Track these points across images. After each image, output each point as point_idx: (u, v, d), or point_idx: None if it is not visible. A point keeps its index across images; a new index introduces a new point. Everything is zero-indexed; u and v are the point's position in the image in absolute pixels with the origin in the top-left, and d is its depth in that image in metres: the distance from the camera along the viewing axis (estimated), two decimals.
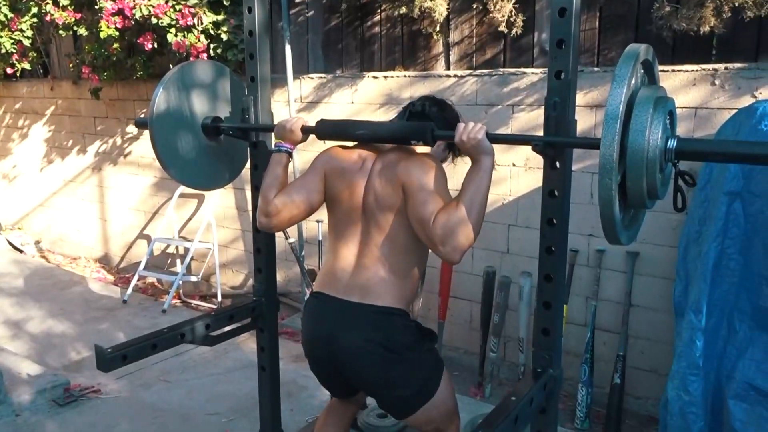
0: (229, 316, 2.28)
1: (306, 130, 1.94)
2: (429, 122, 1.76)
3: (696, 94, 2.81)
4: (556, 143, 1.68)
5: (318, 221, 3.91)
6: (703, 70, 2.78)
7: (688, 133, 2.84)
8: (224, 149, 2.32)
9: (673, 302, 2.72)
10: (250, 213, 4.54)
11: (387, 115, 3.76)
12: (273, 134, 2.01)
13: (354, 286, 1.76)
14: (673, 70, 2.84)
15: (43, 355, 3.66)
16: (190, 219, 5.03)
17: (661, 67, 2.84)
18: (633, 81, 1.47)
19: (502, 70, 3.34)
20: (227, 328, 2.29)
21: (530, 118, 3.24)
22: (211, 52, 4.18)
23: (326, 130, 1.87)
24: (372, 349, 1.73)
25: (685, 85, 2.83)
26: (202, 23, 4.08)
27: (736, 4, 2.56)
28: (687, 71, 2.82)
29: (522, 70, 3.27)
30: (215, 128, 2.23)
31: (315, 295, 1.84)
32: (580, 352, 3.13)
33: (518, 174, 3.33)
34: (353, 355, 1.75)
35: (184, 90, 2.17)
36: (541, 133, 3.32)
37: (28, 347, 3.81)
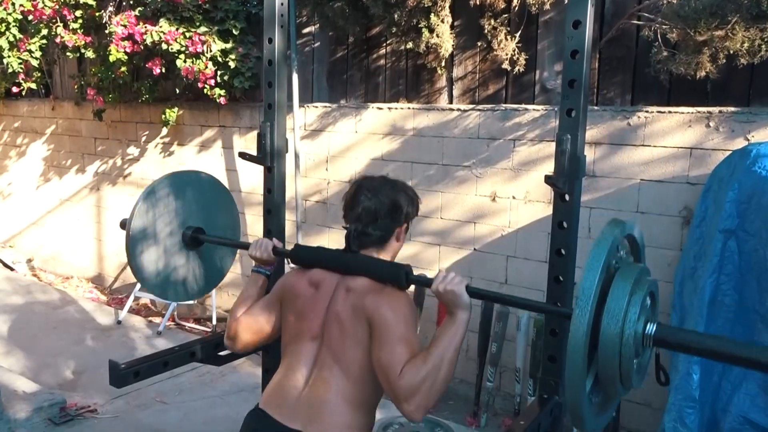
0: None
1: (278, 253, 1.94)
2: (404, 265, 1.69)
3: (691, 135, 2.93)
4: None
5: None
6: (699, 112, 2.91)
7: (683, 172, 2.95)
8: (204, 259, 2.34)
9: None
10: (248, 237, 4.60)
11: (390, 145, 3.85)
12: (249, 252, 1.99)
13: (300, 410, 1.61)
14: (670, 112, 2.96)
15: (38, 374, 3.63)
16: None
17: (657, 108, 2.98)
18: (612, 260, 1.43)
19: (504, 105, 3.45)
20: None
21: (531, 153, 3.34)
22: (218, 78, 4.26)
23: (300, 255, 1.81)
24: None
25: (680, 126, 2.95)
26: (210, 50, 4.17)
27: (731, 52, 2.69)
28: (683, 113, 2.94)
29: (524, 106, 3.38)
30: (195, 239, 2.25)
31: (257, 413, 1.68)
32: None
33: (518, 206, 3.42)
34: None
35: (169, 199, 2.20)
36: (541, 166, 3.42)
37: (22, 365, 3.78)
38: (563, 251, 1.84)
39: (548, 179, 1.74)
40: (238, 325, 1.78)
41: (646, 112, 3.01)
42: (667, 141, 2.97)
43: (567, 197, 1.80)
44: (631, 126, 3.06)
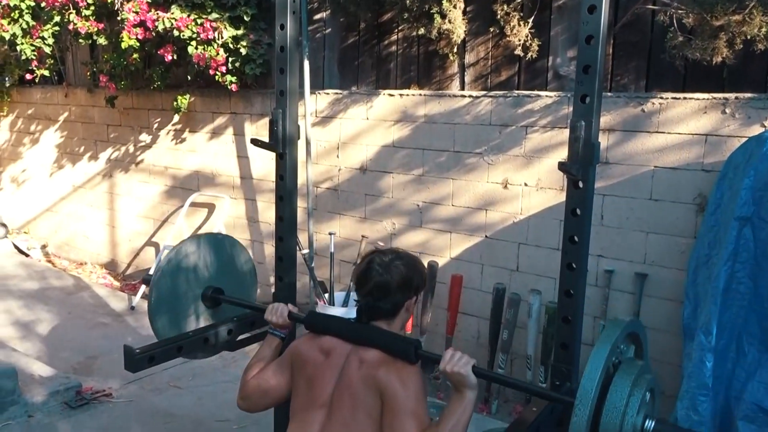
0: (250, 323, 2.33)
1: (293, 318, 1.99)
2: (414, 340, 1.75)
3: (707, 121, 2.89)
4: None
5: (330, 233, 3.96)
6: (714, 98, 2.87)
7: (698, 159, 2.92)
8: (221, 318, 2.39)
9: (681, 324, 2.77)
10: (261, 224, 4.62)
11: (401, 131, 3.84)
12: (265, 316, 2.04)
13: None
14: (685, 98, 2.93)
15: (53, 358, 3.69)
16: (199, 228, 5.08)
17: (672, 95, 2.95)
18: (613, 357, 1.49)
19: (516, 92, 3.43)
20: (248, 334, 2.33)
21: (543, 139, 3.32)
22: (230, 65, 4.26)
23: (313, 322, 1.87)
24: None
25: (695, 113, 2.91)
26: (222, 37, 4.17)
27: (748, 37, 2.65)
28: (698, 99, 2.90)
29: (536, 92, 3.36)
30: (214, 298, 2.33)
31: None
32: None
33: (530, 193, 3.40)
34: None
35: (191, 260, 2.29)
36: (553, 153, 3.41)
37: (38, 349, 3.84)
38: (576, 238, 1.83)
39: (562, 166, 1.73)
40: (250, 387, 1.85)
41: (661, 98, 2.98)
42: (682, 128, 2.94)
43: (581, 184, 1.79)
44: (646, 112, 3.02)
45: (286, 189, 2.40)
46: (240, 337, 2.30)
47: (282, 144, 2.35)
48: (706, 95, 2.89)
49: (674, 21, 2.82)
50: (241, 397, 1.87)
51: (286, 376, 1.82)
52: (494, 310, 3.41)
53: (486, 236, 3.61)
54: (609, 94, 3.14)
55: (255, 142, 2.31)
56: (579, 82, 1.77)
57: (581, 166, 1.76)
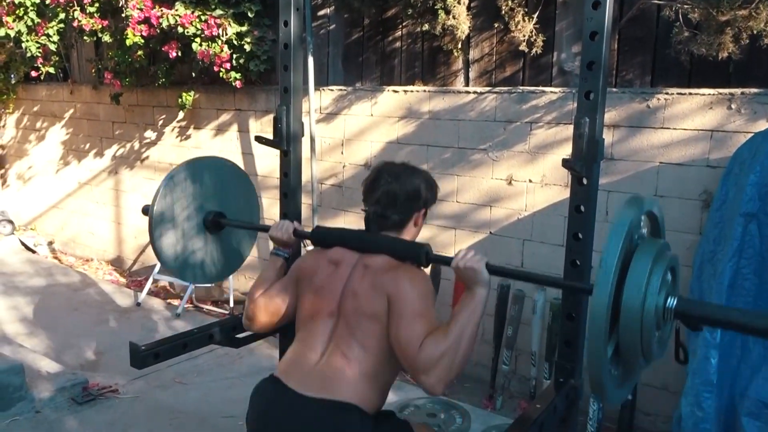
0: None
1: (299, 235, 1.96)
2: (425, 244, 1.71)
3: (712, 117, 2.88)
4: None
5: None
6: (720, 94, 2.85)
7: (703, 155, 2.90)
8: (225, 244, 2.36)
9: None
10: (265, 220, 4.62)
11: (405, 128, 3.84)
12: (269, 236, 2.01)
13: (314, 378, 1.61)
14: (690, 93, 2.91)
15: (60, 354, 3.71)
16: None
17: (677, 90, 2.93)
18: (633, 235, 1.43)
19: (521, 87, 3.42)
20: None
21: (548, 135, 3.31)
22: (234, 62, 4.26)
23: (320, 236, 1.84)
24: None
25: (701, 108, 2.90)
26: (226, 34, 4.17)
27: (755, 32, 2.63)
28: (704, 95, 2.88)
29: (541, 88, 3.35)
30: (215, 223, 2.28)
31: (270, 379, 1.70)
32: None
33: (534, 189, 3.40)
34: None
35: (189, 184, 2.23)
36: (558, 149, 3.39)
37: (45, 345, 3.86)
38: (581, 235, 1.83)
39: (566, 163, 1.72)
40: (255, 306, 1.82)
41: (666, 93, 2.97)
42: (687, 123, 2.93)
43: (585, 181, 1.79)
44: (651, 108, 3.01)
45: (291, 186, 2.40)
46: (243, 335, 2.30)
47: (286, 141, 2.35)
48: (711, 91, 2.87)
49: (680, 16, 2.81)
50: (247, 318, 1.84)
51: (292, 292, 1.79)
52: (499, 307, 3.40)
53: (490, 232, 3.60)
54: (614, 89, 3.13)
55: (259, 139, 2.31)
56: (583, 79, 1.76)
57: (585, 162, 1.76)
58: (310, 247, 2.31)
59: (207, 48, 4.18)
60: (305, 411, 1.57)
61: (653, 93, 3.01)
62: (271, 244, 2.02)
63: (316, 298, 1.70)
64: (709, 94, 2.88)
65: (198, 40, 4.20)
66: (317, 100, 4.21)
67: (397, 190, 1.73)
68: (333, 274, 1.70)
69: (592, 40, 1.74)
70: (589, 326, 1.32)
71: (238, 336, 2.28)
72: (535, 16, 3.30)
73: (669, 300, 1.36)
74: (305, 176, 4.27)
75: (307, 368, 1.63)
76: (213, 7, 4.22)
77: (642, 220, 1.50)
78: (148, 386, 3.35)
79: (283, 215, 2.42)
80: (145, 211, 2.16)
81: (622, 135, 3.11)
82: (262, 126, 4.54)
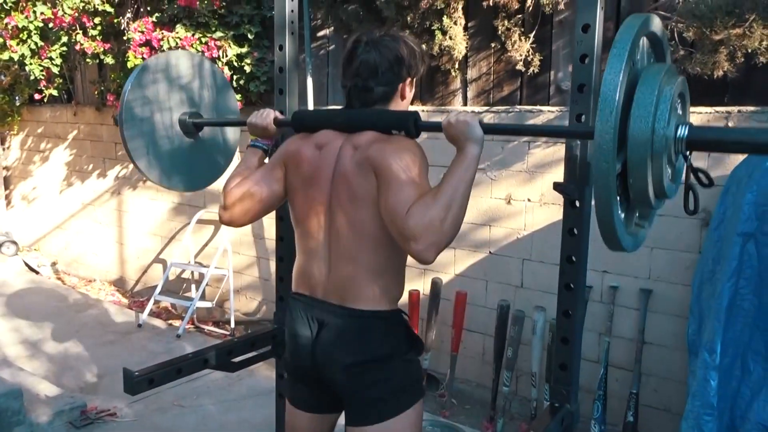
0: (250, 343, 2.32)
1: (279, 123, 1.82)
2: (413, 112, 1.60)
3: None
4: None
5: None
6: (717, 112, 2.85)
7: None
8: (204, 146, 2.25)
9: (686, 340, 2.74)
10: (266, 240, 4.63)
11: None
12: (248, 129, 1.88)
13: (331, 288, 1.60)
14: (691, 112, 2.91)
15: (60, 377, 3.70)
16: (206, 244, 5.10)
17: None
18: (636, 56, 1.29)
19: (518, 107, 3.43)
20: (248, 355, 2.33)
21: (546, 155, 3.31)
22: (234, 83, 4.30)
23: (301, 121, 1.72)
24: (353, 367, 1.58)
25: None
26: (226, 55, 4.21)
27: (749, 50, 2.64)
28: (701, 113, 2.88)
29: (539, 107, 3.35)
30: (193, 124, 2.16)
31: (296, 297, 1.68)
32: (593, 388, 3.14)
33: (533, 209, 3.39)
34: (334, 371, 1.60)
35: (159, 84, 2.09)
36: (556, 169, 3.38)
37: (45, 368, 3.85)
38: (574, 258, 1.82)
39: (557, 186, 1.72)
40: (234, 193, 1.66)
41: None
42: None
43: (577, 203, 1.78)
44: None
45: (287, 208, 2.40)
46: (239, 359, 2.29)
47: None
48: (708, 109, 2.87)
49: (675, 35, 2.82)
50: (224, 207, 1.68)
51: (279, 176, 1.67)
52: (498, 328, 3.38)
53: (490, 252, 3.59)
54: None
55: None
56: (574, 101, 1.76)
57: (577, 185, 1.75)
58: None
59: None
60: (337, 317, 1.58)
61: None
62: (250, 139, 1.88)
63: (307, 189, 1.61)
64: (706, 113, 2.87)
65: None
66: None
67: (377, 58, 1.58)
68: (320, 159, 1.60)
69: (582, 62, 1.74)
70: (595, 162, 1.20)
71: (234, 360, 2.26)
72: (532, 35, 3.31)
73: (680, 129, 1.24)
74: None
75: (321, 281, 1.61)
76: (213, 29, 4.27)
77: (643, 43, 1.37)
78: (146, 409, 3.34)
79: (280, 239, 2.41)
80: (115, 120, 2.09)
81: None
82: None
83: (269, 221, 4.54)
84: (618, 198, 1.28)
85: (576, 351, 1.84)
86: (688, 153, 1.26)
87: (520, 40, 3.33)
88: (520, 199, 3.43)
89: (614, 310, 3.17)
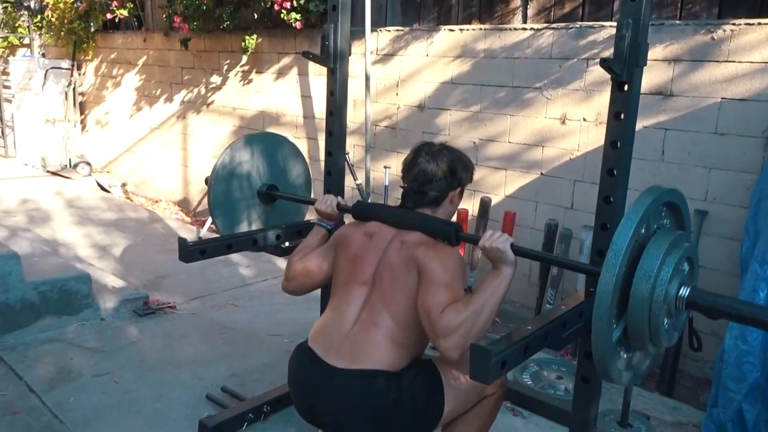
0: (297, 231, 2.43)
1: (342, 209, 2.04)
2: (455, 223, 1.78)
3: None
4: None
5: (386, 167, 4.01)
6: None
7: None
8: (277, 215, 2.50)
9: (739, 260, 2.67)
10: (320, 162, 4.72)
11: (460, 68, 3.81)
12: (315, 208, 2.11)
13: (345, 348, 1.71)
14: (760, 23, 2.75)
15: (125, 275, 3.96)
16: None
17: (746, 21, 2.78)
18: (650, 221, 1.45)
19: (579, 23, 3.32)
20: (295, 242, 2.43)
21: (604, 72, 3.19)
22: (294, 2, 4.33)
23: (360, 210, 1.93)
24: (353, 417, 1.69)
25: None
26: None
27: None
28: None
29: (600, 23, 3.24)
30: (269, 195, 2.44)
31: (305, 350, 1.80)
32: None
33: (588, 129, 3.32)
34: (336, 424, 1.73)
35: (245, 158, 2.40)
36: None
37: (113, 267, 4.13)
38: (619, 144, 1.79)
39: (604, 62, 1.68)
40: (295, 268, 1.91)
41: (733, 24, 2.82)
42: (754, 56, 2.78)
43: (626, 87, 1.74)
44: (715, 40, 2.87)
45: (336, 104, 2.45)
46: (287, 244, 2.40)
47: (333, 59, 2.39)
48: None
49: None
50: (286, 279, 1.94)
51: (330, 258, 1.89)
52: (545, 246, 3.38)
53: (541, 173, 3.56)
54: (677, 21, 3.00)
55: (306, 54, 2.37)
56: None
57: (626, 66, 1.71)
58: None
59: None
60: (337, 382, 1.69)
61: (719, 24, 2.86)
62: (316, 216, 2.12)
63: (352, 266, 1.79)
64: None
65: None
66: (374, 41, 4.23)
67: (434, 168, 1.80)
68: (368, 245, 1.79)
69: None
70: (595, 311, 1.35)
71: (281, 245, 2.37)
72: None
73: (682, 289, 1.40)
74: (360, 117, 4.33)
75: (338, 337, 1.73)
76: None
77: (662, 210, 1.53)
78: (203, 306, 3.55)
79: (328, 133, 2.48)
80: (207, 181, 2.39)
81: (682, 69, 2.98)
82: (322, 68, 4.61)
83: (323, 142, 4.63)
84: (619, 342, 1.46)
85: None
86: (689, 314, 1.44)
87: None
88: (575, 119, 3.36)
89: None
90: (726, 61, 2.85)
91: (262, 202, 2.46)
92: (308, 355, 1.77)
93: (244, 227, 2.44)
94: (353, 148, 4.41)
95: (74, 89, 6.98)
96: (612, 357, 1.43)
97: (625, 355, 1.53)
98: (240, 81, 5.35)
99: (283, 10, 4.35)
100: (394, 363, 1.68)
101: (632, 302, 1.38)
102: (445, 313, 1.56)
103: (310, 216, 2.45)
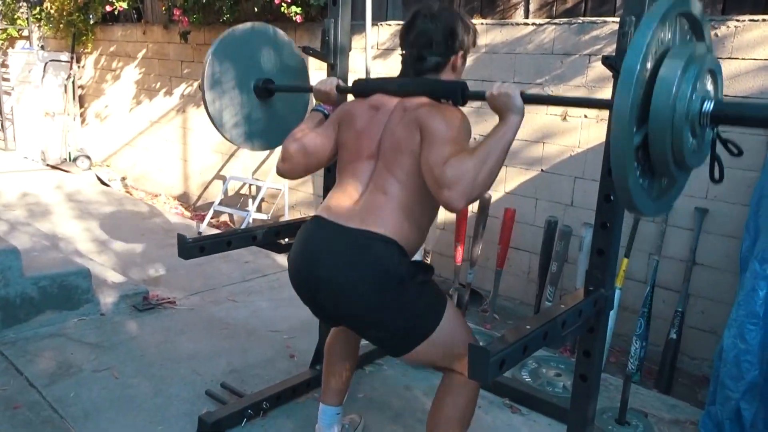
0: (296, 227, 2.42)
1: (341, 89, 1.97)
2: (461, 81, 1.71)
3: None
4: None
5: None
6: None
7: None
8: (276, 111, 2.42)
9: (739, 259, 2.66)
10: None
11: None
12: (312, 95, 2.07)
13: (355, 213, 1.66)
14: (764, 20, 2.74)
15: (125, 270, 3.96)
16: (264, 161, 5.25)
17: (750, 17, 2.78)
18: (668, 33, 1.33)
19: (581, 18, 3.31)
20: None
21: (606, 68, 3.19)
22: None
23: (360, 87, 1.87)
24: (353, 276, 1.61)
25: None
26: None
27: None
28: None
29: (602, 18, 3.23)
30: (266, 89, 2.33)
31: (313, 219, 1.76)
32: (638, 308, 3.12)
33: (589, 125, 3.31)
34: (333, 282, 1.64)
35: (236, 53, 2.28)
36: None
37: (113, 262, 4.12)
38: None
39: (606, 60, 1.67)
40: (292, 148, 1.82)
41: (737, 21, 2.80)
42: (758, 53, 2.76)
43: None
44: (719, 37, 2.86)
45: (336, 100, 2.43)
46: (286, 241, 2.39)
47: (333, 54, 2.39)
48: None
49: None
50: (282, 159, 1.84)
51: (332, 134, 1.82)
52: (545, 243, 3.37)
53: (542, 170, 3.55)
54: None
55: (306, 49, 2.36)
56: None
57: None
58: None
59: None
60: (344, 237, 1.64)
61: (723, 20, 2.84)
62: (313, 102, 2.04)
63: (357, 141, 1.74)
64: None
65: None
66: (375, 35, 4.21)
67: (433, 30, 1.71)
68: (373, 118, 1.74)
69: None
70: (613, 131, 1.24)
71: (280, 242, 2.37)
72: None
73: (705, 104, 1.28)
74: None
75: (347, 206, 1.69)
76: None
77: (679, 22, 1.39)
78: (203, 301, 3.55)
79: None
80: (199, 87, 2.26)
81: None
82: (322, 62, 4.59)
83: None
84: (640, 166, 1.34)
85: (614, 237, 1.82)
86: (714, 127, 1.31)
87: None
88: (577, 116, 3.35)
89: (666, 229, 3.10)
90: (729, 58, 2.84)
91: (260, 98, 2.36)
92: (316, 220, 1.74)
93: (246, 129, 2.35)
94: None
95: (74, 82, 6.96)
96: (632, 169, 1.29)
97: (646, 182, 1.40)
98: None
99: (283, 4, 4.33)
100: (403, 232, 1.64)
101: (652, 119, 1.26)
102: (449, 162, 1.50)
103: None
